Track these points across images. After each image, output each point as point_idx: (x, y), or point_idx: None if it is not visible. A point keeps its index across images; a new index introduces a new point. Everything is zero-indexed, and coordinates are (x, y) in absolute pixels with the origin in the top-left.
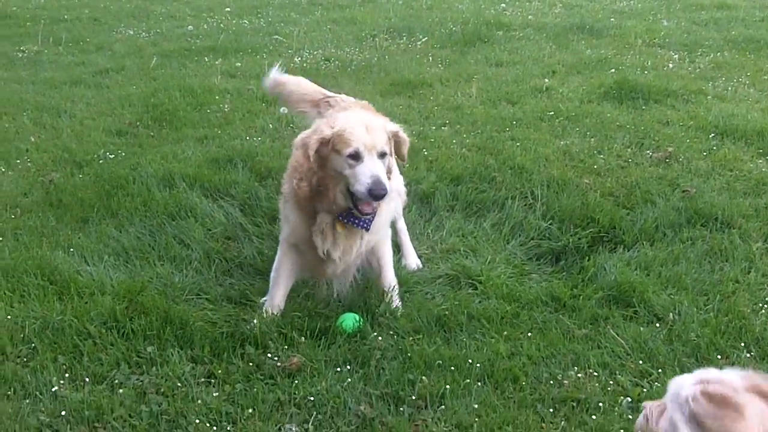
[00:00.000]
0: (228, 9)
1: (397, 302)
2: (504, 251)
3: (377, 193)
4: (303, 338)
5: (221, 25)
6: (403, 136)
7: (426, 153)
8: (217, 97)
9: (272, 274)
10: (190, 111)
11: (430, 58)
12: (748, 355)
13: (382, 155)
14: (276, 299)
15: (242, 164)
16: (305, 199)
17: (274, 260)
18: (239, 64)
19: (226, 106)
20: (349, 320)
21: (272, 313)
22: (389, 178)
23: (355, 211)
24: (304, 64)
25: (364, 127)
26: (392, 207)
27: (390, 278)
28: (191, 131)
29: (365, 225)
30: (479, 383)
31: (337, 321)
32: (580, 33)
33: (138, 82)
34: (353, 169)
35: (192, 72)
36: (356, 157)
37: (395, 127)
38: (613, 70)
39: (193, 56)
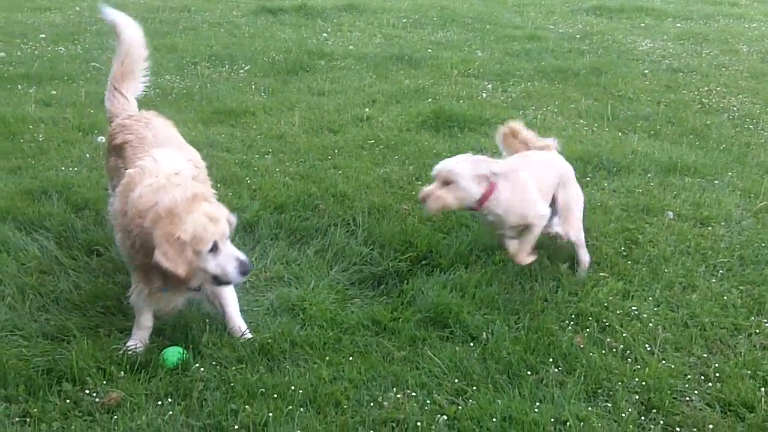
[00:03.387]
0: (43, 35)
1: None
2: (327, 277)
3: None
4: (122, 372)
5: (35, 52)
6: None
7: (249, 181)
8: (30, 127)
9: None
10: (2, 141)
11: (253, 87)
12: (556, 369)
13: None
14: (143, 320)
15: (57, 196)
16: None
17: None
18: (54, 92)
19: (40, 135)
20: (173, 355)
21: (142, 336)
22: None
23: None
24: None
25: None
26: None
27: (238, 323)
28: (3, 162)
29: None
30: (302, 409)
31: (160, 355)
32: (399, 63)
33: None
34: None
35: (4, 100)
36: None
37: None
38: (430, 100)
39: (5, 84)
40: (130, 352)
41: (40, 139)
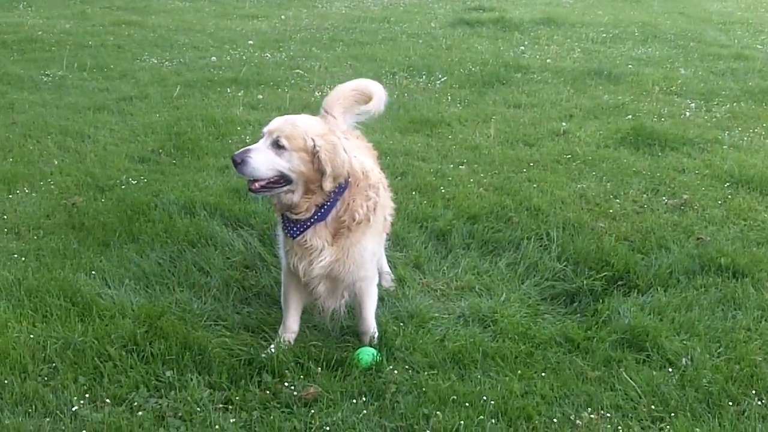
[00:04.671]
0: (251, 42)
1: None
2: (518, 291)
3: (234, 158)
4: (319, 368)
5: (244, 57)
6: (323, 156)
7: (443, 191)
8: (238, 128)
9: (281, 298)
10: (211, 141)
11: (449, 98)
12: (759, 402)
13: (276, 145)
14: (288, 322)
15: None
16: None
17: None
18: (261, 97)
19: (247, 137)
20: (367, 356)
21: (287, 339)
22: (282, 174)
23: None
24: None
25: (285, 118)
26: (368, 244)
27: (366, 325)
28: (213, 161)
29: (291, 232)
30: (493, 420)
31: (354, 354)
32: (597, 78)
33: (161, 110)
34: None
35: (214, 102)
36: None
37: (320, 140)
38: (630, 116)
39: (215, 87)
40: (264, 356)
41: (247, 141)
